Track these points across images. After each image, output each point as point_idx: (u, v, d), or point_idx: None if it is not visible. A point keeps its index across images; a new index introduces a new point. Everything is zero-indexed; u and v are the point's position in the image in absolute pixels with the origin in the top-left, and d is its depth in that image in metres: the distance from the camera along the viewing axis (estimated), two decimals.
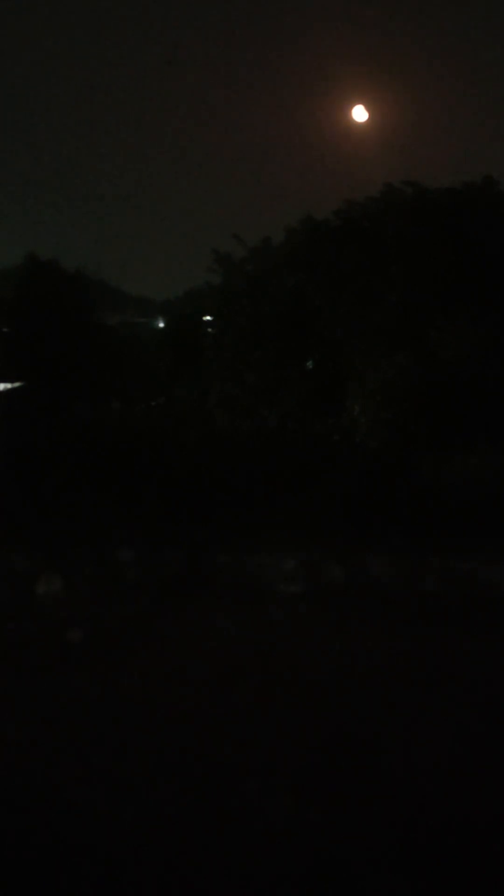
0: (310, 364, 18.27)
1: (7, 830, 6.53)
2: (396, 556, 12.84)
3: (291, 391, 17.40)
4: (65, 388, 19.14)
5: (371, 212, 18.64)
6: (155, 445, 16.70)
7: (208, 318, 20.63)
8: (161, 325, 34.66)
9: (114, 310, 32.91)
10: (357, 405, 16.65)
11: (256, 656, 10.04)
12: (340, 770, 7.36)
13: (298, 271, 18.20)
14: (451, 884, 5.88)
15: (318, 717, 8.40)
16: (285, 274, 18.36)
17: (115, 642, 10.61)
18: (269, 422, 17.12)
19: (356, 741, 7.87)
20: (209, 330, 20.08)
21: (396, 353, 16.61)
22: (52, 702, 8.87)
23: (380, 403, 16.37)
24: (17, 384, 20.82)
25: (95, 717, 8.49)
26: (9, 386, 21.03)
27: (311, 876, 5.97)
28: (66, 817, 6.71)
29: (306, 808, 6.77)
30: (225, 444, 16.65)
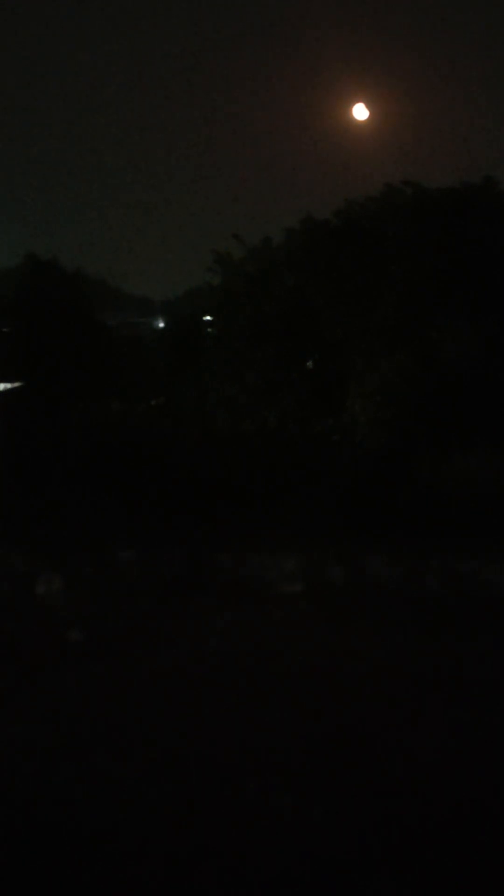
0: (310, 364, 18.27)
1: (7, 830, 6.53)
2: (396, 556, 12.84)
3: (291, 391, 17.40)
4: (65, 388, 19.14)
5: (371, 212, 18.64)
6: (155, 445, 16.71)
7: (208, 318, 20.63)
8: (161, 325, 34.67)
9: (114, 310, 32.94)
10: (357, 405, 16.66)
11: (257, 656, 10.05)
12: (340, 770, 7.36)
13: (298, 271, 18.20)
14: (451, 884, 5.88)
15: (318, 716, 8.41)
16: (285, 274, 18.37)
17: (115, 642, 10.61)
18: (269, 422, 17.12)
19: (356, 741, 7.88)
20: (209, 330, 20.08)
21: (396, 353, 16.61)
22: (52, 701, 8.87)
23: (380, 403, 16.38)
24: (17, 384, 20.82)
25: (96, 717, 8.49)
26: (9, 386, 21.04)
27: (311, 876, 5.97)
28: (66, 816, 6.71)
29: (306, 807, 6.78)
30: (225, 444, 16.65)
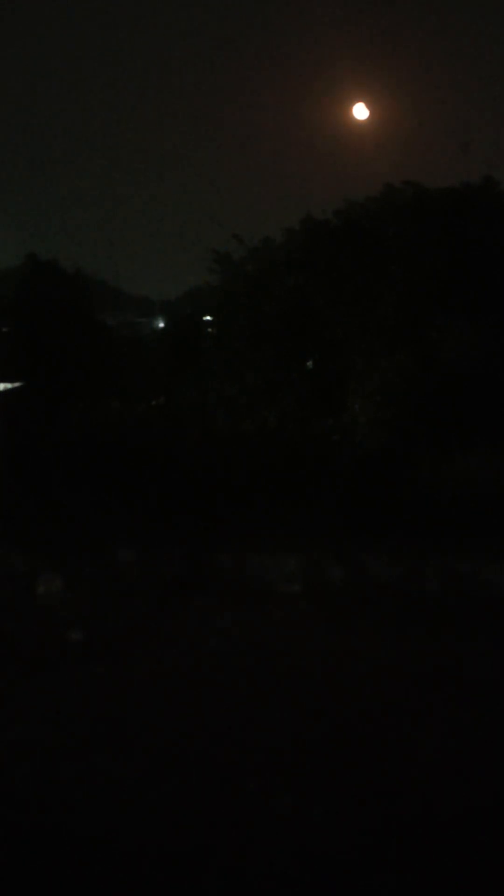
0: (310, 364, 18.26)
1: (7, 830, 6.53)
2: (396, 556, 12.84)
3: (291, 391, 17.39)
4: (65, 388, 19.15)
5: (371, 212, 18.64)
6: (155, 445, 16.69)
7: (208, 318, 20.63)
8: (161, 325, 34.68)
9: (114, 310, 32.94)
10: (357, 405, 16.65)
11: (257, 656, 10.05)
12: (340, 770, 7.36)
13: (298, 271, 18.19)
14: (451, 884, 5.88)
15: (318, 716, 8.41)
16: (285, 274, 18.35)
17: (115, 642, 10.61)
18: (269, 422, 17.12)
19: (356, 741, 7.88)
20: (209, 330, 20.08)
21: (396, 353, 16.61)
22: (52, 701, 8.88)
23: (380, 403, 16.37)
24: (17, 384, 20.84)
25: (96, 717, 8.50)
26: (9, 386, 21.06)
27: (311, 876, 5.97)
28: (66, 816, 6.71)
29: (306, 807, 6.78)
30: (225, 444, 16.64)
